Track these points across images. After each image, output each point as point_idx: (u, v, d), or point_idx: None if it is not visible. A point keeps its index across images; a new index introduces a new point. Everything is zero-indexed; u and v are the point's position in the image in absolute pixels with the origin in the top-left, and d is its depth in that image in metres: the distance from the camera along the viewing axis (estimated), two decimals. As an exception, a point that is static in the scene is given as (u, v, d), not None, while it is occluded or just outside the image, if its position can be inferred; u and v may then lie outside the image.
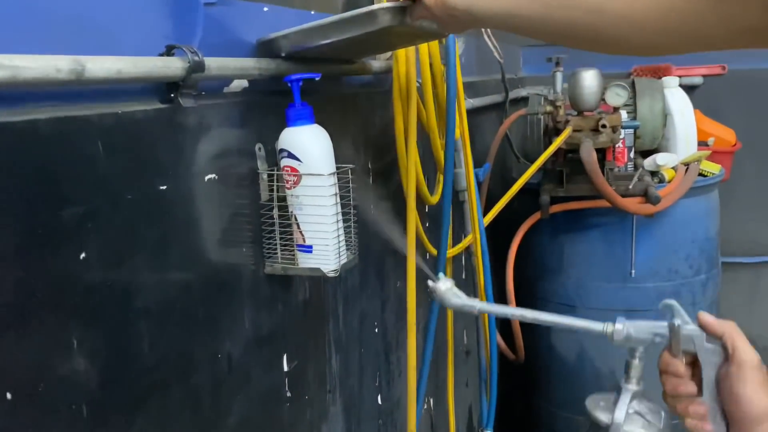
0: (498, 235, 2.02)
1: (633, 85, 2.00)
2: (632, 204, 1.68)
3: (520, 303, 2.08)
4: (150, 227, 0.64)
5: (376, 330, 1.24)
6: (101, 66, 0.54)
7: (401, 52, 1.12)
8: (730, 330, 0.67)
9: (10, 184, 0.49)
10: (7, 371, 0.49)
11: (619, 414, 0.70)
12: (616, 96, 1.80)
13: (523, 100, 2.50)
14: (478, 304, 0.77)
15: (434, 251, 1.32)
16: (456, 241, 1.55)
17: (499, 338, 2.05)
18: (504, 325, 2.07)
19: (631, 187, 1.74)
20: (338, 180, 0.83)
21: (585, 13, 0.51)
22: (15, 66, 0.47)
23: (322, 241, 0.80)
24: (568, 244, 1.95)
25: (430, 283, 0.76)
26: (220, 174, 0.74)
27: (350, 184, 0.85)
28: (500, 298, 2.07)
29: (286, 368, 0.90)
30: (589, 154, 1.60)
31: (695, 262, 1.90)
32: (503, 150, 2.21)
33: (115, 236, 0.59)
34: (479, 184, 1.68)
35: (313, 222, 0.80)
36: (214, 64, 0.69)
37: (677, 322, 0.68)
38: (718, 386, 0.67)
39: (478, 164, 1.69)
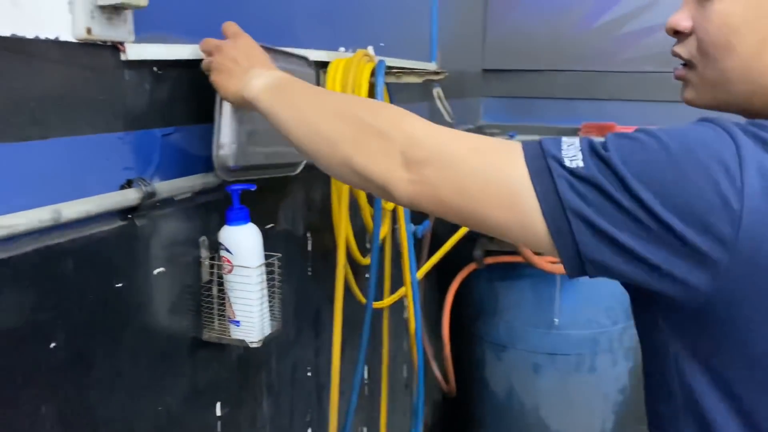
0: (446, 268, 2.23)
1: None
2: (547, 264, 1.90)
3: (458, 339, 2.30)
4: (106, 316, 0.84)
5: (309, 374, 1.44)
6: (73, 209, 0.75)
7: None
8: None
9: (3, 297, 0.69)
10: (-7, 434, 0.69)
11: None
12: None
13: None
14: None
15: (363, 300, 1.52)
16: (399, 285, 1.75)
17: (435, 369, 2.27)
18: (442, 358, 2.28)
19: (555, 246, 1.96)
20: (268, 265, 1.04)
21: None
22: (12, 225, 0.67)
23: (248, 318, 1.00)
24: (502, 290, 2.17)
25: None
26: (167, 266, 0.95)
27: (276, 269, 1.06)
28: (437, 332, 2.28)
29: (219, 413, 1.10)
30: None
31: (613, 312, 2.13)
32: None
33: (78, 327, 0.79)
34: (418, 240, 1.89)
35: (241, 303, 1.00)
36: (165, 187, 0.90)
37: None
38: None
39: (418, 221, 1.90)
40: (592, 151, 0.59)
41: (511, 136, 2.86)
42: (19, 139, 0.71)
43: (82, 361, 0.81)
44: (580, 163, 0.58)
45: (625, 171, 0.56)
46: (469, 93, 2.92)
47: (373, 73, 1.33)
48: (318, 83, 1.24)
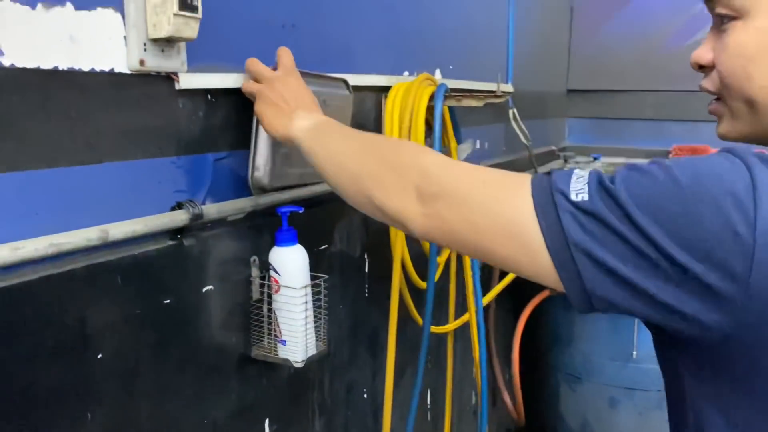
0: (520, 293, 2.18)
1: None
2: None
3: (531, 367, 2.22)
4: (153, 330, 0.88)
5: (365, 395, 1.44)
6: (120, 230, 0.80)
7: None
8: None
9: (51, 309, 0.75)
10: (39, 437, 0.74)
11: None
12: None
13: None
14: None
15: (420, 321, 1.51)
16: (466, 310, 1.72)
17: (506, 397, 2.21)
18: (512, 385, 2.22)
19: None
20: (315, 287, 1.06)
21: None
22: (60, 243, 0.72)
23: (293, 338, 1.02)
24: (578, 319, 2.09)
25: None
26: (217, 284, 0.98)
27: (322, 290, 1.07)
28: (509, 359, 2.22)
29: (267, 430, 1.13)
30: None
31: (699, 348, 1.99)
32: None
33: (125, 340, 0.84)
34: (487, 264, 1.86)
35: (286, 323, 1.02)
36: (214, 209, 0.94)
37: None
38: None
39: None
40: (599, 184, 0.57)
41: (596, 158, 2.76)
42: (74, 164, 0.77)
43: (128, 372, 0.85)
44: (585, 197, 0.56)
45: (630, 204, 0.54)
46: (553, 113, 2.86)
47: (432, 97, 1.33)
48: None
